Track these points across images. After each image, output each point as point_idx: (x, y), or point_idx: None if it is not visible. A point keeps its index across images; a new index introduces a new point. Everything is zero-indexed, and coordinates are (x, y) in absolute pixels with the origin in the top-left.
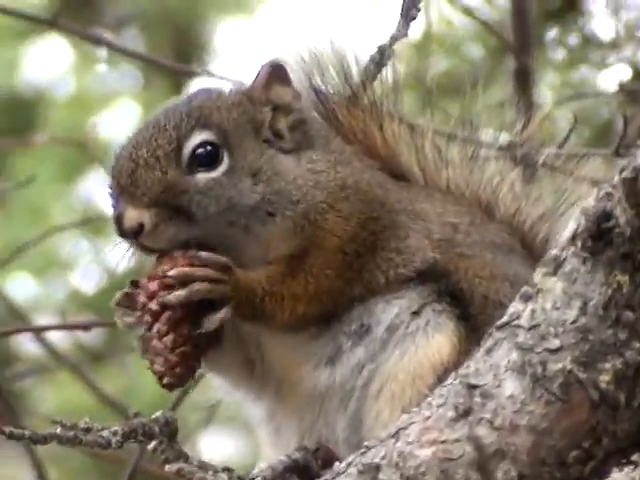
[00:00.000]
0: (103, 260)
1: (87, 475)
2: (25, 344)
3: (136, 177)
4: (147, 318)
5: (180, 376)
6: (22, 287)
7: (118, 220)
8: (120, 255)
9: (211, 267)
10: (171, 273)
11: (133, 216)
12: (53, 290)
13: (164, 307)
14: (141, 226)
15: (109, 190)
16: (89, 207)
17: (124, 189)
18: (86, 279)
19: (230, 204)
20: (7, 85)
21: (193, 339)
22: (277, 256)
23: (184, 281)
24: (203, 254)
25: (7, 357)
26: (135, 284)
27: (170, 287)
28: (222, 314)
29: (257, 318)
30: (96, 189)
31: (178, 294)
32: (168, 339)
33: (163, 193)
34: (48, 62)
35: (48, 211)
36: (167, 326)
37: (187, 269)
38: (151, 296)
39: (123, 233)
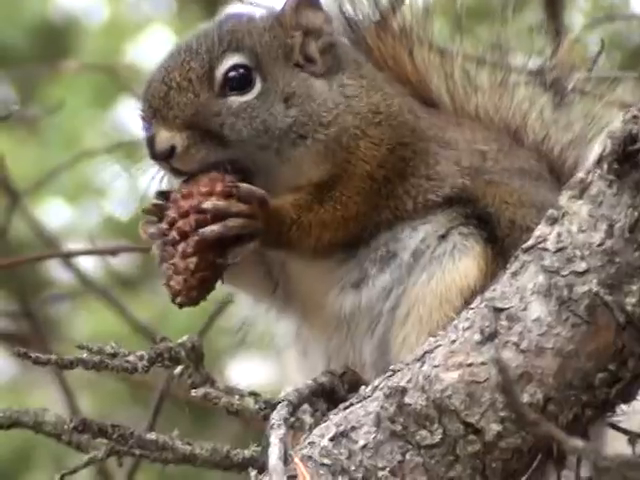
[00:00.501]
0: (137, 186)
1: (119, 400)
2: (55, 270)
3: (169, 100)
4: (174, 235)
5: (195, 298)
6: (56, 213)
7: (150, 142)
8: (152, 178)
9: (248, 201)
10: (207, 205)
11: (165, 138)
12: (86, 216)
13: (194, 230)
14: (173, 148)
15: (141, 113)
16: (122, 133)
17: (156, 112)
18: (120, 205)
19: (263, 127)
20: (40, 12)
21: (216, 266)
22: (305, 182)
23: (218, 215)
24: (243, 187)
25: (38, 283)
26: (164, 195)
27: (203, 211)
28: (250, 247)
29: (283, 246)
30: (129, 115)
31: (213, 229)
32: (191, 261)
33: (195, 115)
34: None
35: (81, 137)
36: (194, 249)
37: (223, 204)
38: (183, 215)
39: (155, 155)
